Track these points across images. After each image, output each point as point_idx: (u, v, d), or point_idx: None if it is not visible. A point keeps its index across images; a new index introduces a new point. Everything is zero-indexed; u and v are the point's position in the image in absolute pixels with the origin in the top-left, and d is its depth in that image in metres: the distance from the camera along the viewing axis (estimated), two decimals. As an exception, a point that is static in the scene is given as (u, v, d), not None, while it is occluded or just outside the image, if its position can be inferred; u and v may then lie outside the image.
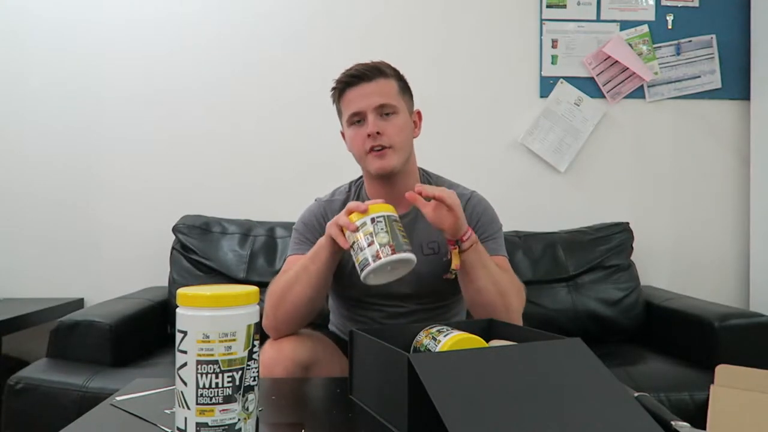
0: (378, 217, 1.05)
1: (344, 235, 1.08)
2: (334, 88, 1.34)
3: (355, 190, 1.43)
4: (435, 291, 1.32)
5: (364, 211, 1.07)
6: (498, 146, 2.34)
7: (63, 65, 2.25)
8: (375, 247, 1.02)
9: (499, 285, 1.20)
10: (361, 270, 1.04)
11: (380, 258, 1.01)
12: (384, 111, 1.28)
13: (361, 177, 1.45)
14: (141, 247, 2.25)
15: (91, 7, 2.26)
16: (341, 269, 1.29)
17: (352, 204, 1.10)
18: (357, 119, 1.30)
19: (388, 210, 1.08)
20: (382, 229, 1.04)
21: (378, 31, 2.30)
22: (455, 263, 1.16)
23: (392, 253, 1.02)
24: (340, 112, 1.35)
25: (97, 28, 2.26)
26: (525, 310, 1.29)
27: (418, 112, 1.39)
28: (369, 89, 1.28)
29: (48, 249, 2.25)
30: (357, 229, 1.05)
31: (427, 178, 1.43)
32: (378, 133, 1.26)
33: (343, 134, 1.39)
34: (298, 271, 1.21)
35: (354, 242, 1.05)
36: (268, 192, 2.29)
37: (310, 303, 1.21)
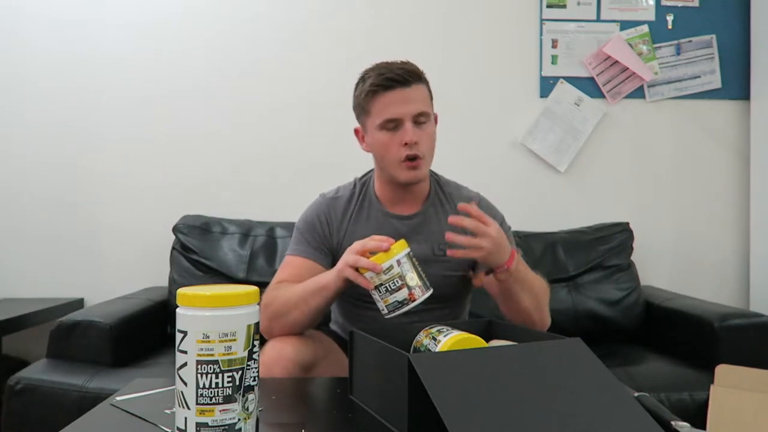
0: (402, 257, 1.07)
1: (363, 275, 1.07)
2: (369, 91, 1.26)
3: (361, 189, 1.39)
4: (443, 292, 1.30)
5: (387, 250, 1.07)
6: (498, 146, 2.34)
7: (63, 65, 2.25)
8: (405, 290, 1.05)
9: (537, 299, 1.26)
10: (391, 311, 1.07)
11: (415, 299, 1.06)
12: (420, 119, 1.26)
13: (366, 174, 1.42)
14: (141, 247, 2.25)
15: (91, 8, 2.26)
16: None
17: (371, 244, 1.08)
18: (393, 125, 1.25)
19: (406, 247, 1.09)
20: (408, 270, 1.06)
21: (379, 31, 2.30)
22: (477, 282, 1.25)
23: (422, 294, 1.06)
24: (367, 112, 1.29)
25: (97, 28, 2.26)
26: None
27: (436, 116, 1.38)
28: (407, 95, 1.24)
29: (48, 249, 2.25)
30: (383, 272, 1.06)
31: (436, 179, 1.43)
32: (415, 142, 1.24)
33: (356, 131, 1.36)
34: (298, 299, 1.19)
35: (380, 284, 1.06)
36: (268, 192, 2.29)
37: (306, 326, 1.23)
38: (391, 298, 1.06)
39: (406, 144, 1.24)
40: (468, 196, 1.41)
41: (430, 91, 1.33)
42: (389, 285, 1.06)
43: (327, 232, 1.34)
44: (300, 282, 1.23)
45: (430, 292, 1.08)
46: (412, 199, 1.36)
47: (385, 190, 1.36)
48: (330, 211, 1.35)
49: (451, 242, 1.15)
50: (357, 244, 1.10)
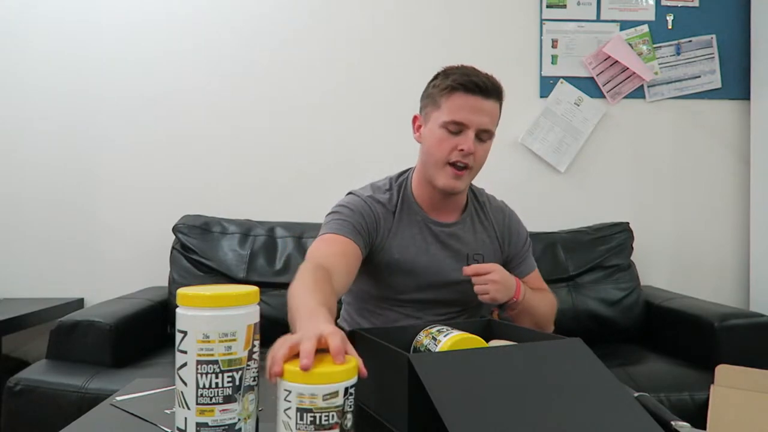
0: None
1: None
2: (449, 86, 1.23)
3: (399, 190, 1.34)
4: (471, 299, 1.26)
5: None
6: (498, 146, 2.31)
7: (63, 66, 2.25)
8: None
9: (542, 319, 1.29)
10: None
11: None
12: (483, 135, 1.24)
13: (402, 175, 1.38)
14: (141, 247, 2.25)
15: (91, 8, 2.26)
16: (380, 272, 1.28)
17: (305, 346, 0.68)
18: (456, 129, 1.22)
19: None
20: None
21: (379, 32, 2.30)
22: (495, 317, 1.27)
23: None
24: (437, 106, 1.25)
25: (97, 28, 2.26)
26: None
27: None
28: (483, 106, 1.22)
29: (48, 249, 2.25)
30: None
31: (471, 188, 1.41)
32: (470, 153, 1.22)
33: (415, 118, 1.33)
34: (290, 297, 0.97)
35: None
36: (268, 192, 2.29)
37: None
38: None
39: (461, 150, 1.21)
40: (498, 206, 1.44)
41: (500, 112, 1.29)
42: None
43: (373, 227, 1.28)
44: (332, 256, 1.15)
45: None
46: (452, 208, 1.34)
47: (425, 194, 1.32)
48: (377, 207, 1.30)
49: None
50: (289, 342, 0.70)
